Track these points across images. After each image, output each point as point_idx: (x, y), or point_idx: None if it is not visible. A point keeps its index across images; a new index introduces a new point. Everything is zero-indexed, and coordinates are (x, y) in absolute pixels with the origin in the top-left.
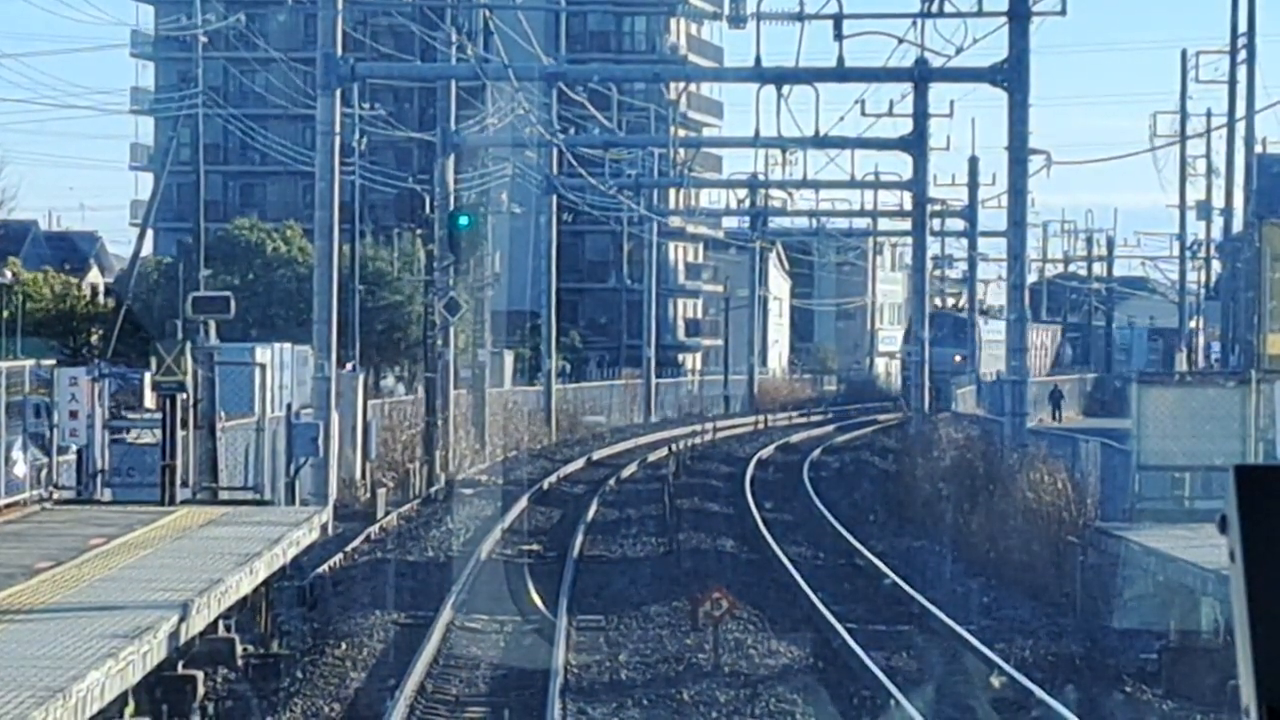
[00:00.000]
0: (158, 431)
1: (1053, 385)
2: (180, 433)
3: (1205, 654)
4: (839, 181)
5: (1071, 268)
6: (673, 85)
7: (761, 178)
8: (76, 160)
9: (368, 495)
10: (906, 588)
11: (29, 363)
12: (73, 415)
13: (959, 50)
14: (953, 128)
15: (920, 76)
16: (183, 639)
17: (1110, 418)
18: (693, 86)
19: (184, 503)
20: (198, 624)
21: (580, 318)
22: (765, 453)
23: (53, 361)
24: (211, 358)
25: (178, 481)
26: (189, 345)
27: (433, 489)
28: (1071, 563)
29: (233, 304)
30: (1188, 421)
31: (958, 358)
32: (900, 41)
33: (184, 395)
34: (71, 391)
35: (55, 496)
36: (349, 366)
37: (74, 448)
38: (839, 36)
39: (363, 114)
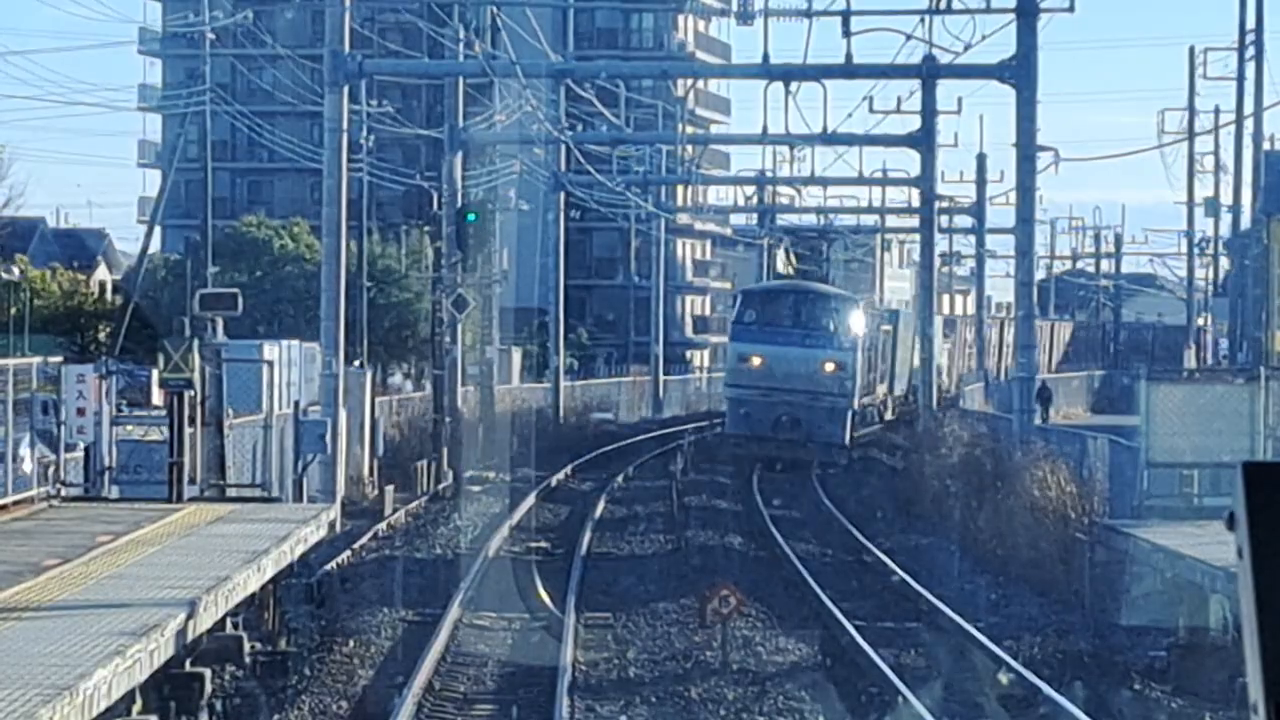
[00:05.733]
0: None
1: (1040, 382)
2: (188, 430)
3: (1214, 651)
4: (847, 178)
5: (1079, 264)
6: (680, 82)
7: (769, 174)
8: (84, 157)
9: (375, 492)
10: (914, 584)
11: (36, 360)
12: (80, 412)
13: (967, 47)
14: (961, 124)
15: (928, 73)
16: (190, 636)
17: (1118, 414)
18: (700, 83)
19: (191, 500)
20: (205, 621)
21: (588, 315)
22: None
23: (60, 358)
24: (219, 355)
25: (185, 479)
26: (196, 342)
27: (440, 486)
28: (1080, 560)
29: (240, 301)
30: (1196, 418)
31: (830, 365)
32: (908, 38)
33: (191, 392)
34: (79, 388)
35: (63, 494)
36: (356, 363)
37: (81, 445)
38: (847, 33)
39: (370, 111)
